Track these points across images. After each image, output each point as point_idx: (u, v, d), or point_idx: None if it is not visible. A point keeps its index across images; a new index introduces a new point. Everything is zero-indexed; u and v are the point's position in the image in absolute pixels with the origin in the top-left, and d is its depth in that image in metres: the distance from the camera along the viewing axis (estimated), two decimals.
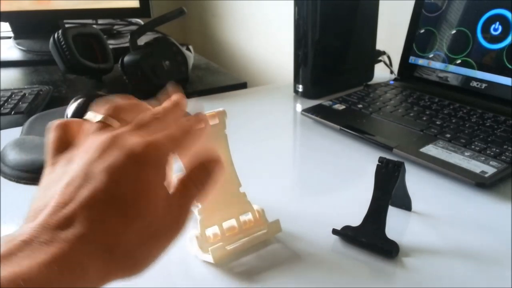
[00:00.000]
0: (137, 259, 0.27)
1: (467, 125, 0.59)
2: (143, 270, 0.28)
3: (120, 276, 0.26)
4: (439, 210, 0.46)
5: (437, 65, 0.72)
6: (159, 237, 0.28)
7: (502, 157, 0.51)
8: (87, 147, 0.29)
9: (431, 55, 0.73)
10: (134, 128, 0.30)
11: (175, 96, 0.35)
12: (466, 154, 0.53)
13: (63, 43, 0.83)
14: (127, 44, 0.82)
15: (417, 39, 0.75)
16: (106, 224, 0.26)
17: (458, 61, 0.69)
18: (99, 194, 0.26)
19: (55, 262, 0.23)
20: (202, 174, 0.32)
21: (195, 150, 0.32)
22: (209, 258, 0.38)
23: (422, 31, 0.74)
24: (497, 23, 0.64)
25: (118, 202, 0.26)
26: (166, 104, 0.34)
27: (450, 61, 0.70)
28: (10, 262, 0.22)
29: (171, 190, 0.30)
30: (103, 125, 0.31)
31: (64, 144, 0.31)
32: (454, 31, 0.70)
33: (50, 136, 0.32)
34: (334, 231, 0.41)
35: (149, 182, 0.28)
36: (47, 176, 0.30)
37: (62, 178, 0.28)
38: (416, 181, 0.50)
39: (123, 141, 0.28)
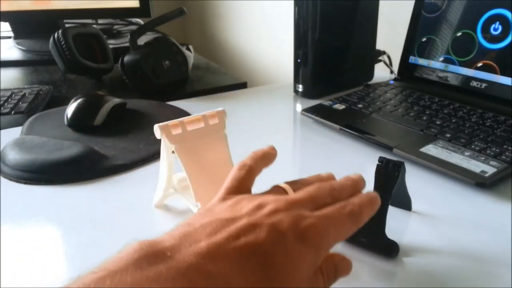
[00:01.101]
0: None
1: (467, 125, 0.59)
2: None
3: None
4: (439, 210, 0.46)
5: (437, 65, 0.72)
6: None
7: (502, 157, 0.51)
8: (261, 201, 0.29)
9: (431, 57, 0.73)
10: (308, 199, 0.30)
11: (355, 176, 0.35)
12: (466, 154, 0.53)
13: (63, 43, 0.83)
14: (127, 44, 0.82)
15: (417, 41, 0.75)
16: (247, 279, 0.25)
17: (458, 61, 0.69)
18: (255, 246, 0.26)
19: None
20: (333, 270, 0.31)
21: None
22: None
23: (422, 33, 0.74)
24: (497, 23, 0.64)
25: (262, 265, 0.25)
26: (345, 181, 0.34)
27: (450, 61, 0.70)
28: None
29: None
30: (282, 189, 0.32)
31: (241, 186, 0.32)
32: (454, 31, 0.70)
33: (236, 172, 0.33)
34: None
35: (302, 260, 0.27)
36: (214, 205, 0.30)
37: (225, 213, 0.28)
38: (416, 181, 0.50)
39: (295, 208, 0.28)
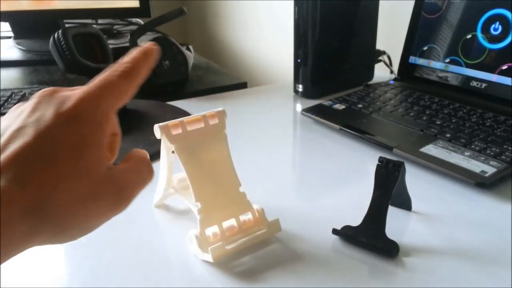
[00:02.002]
0: (66, 220, 0.26)
1: (467, 125, 0.59)
2: (71, 234, 0.27)
3: (45, 238, 0.25)
4: (439, 210, 0.46)
5: (437, 65, 0.72)
6: (94, 201, 0.26)
7: (502, 157, 0.51)
8: (24, 104, 0.29)
9: (432, 57, 0.73)
10: (68, 87, 0.29)
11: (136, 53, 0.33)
12: (466, 154, 0.53)
13: (63, 43, 0.83)
14: (127, 44, 0.82)
15: (418, 45, 0.75)
16: (33, 180, 0.24)
17: (458, 61, 0.69)
18: (26, 149, 0.25)
19: None
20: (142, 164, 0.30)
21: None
22: (209, 257, 0.38)
23: (424, 35, 0.74)
24: (497, 23, 0.64)
25: (46, 159, 0.25)
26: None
27: (450, 61, 0.70)
28: None
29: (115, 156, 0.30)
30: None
31: None
32: (454, 31, 0.70)
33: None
34: (334, 231, 0.41)
35: (83, 140, 0.26)
36: None
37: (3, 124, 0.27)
38: (416, 181, 0.50)
39: (55, 96, 0.28)
